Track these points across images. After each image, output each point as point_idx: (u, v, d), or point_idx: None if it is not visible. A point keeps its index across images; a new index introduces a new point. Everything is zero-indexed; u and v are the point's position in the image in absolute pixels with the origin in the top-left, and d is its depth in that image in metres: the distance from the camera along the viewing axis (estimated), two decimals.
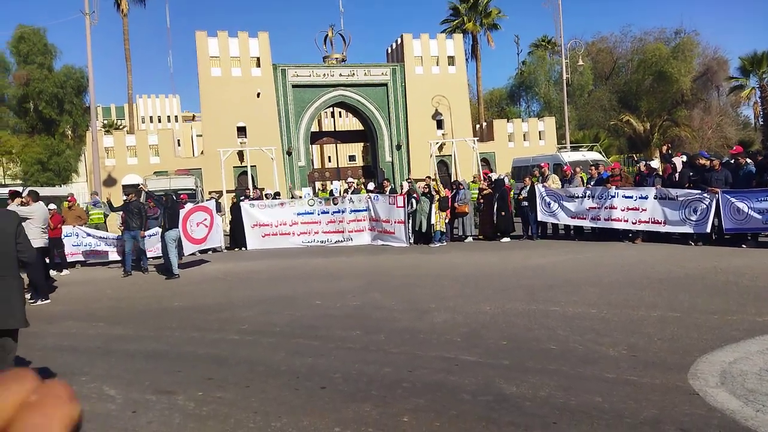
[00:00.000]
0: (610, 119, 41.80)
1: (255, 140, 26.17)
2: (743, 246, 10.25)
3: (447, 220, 14.11)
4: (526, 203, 13.63)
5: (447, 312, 6.72)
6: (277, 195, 17.70)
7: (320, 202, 15.60)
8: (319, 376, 4.65)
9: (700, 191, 10.88)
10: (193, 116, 64.89)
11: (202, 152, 28.39)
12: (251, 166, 25.51)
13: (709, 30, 70.77)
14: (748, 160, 10.81)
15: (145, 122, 63.09)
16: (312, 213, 15.44)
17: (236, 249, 15.46)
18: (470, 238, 14.32)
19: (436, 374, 4.54)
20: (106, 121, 50.52)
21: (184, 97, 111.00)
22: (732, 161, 11.18)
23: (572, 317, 6.12)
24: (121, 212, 12.80)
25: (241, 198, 16.34)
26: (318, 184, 32.80)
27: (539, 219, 13.51)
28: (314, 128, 31.21)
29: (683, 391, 3.84)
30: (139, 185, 14.85)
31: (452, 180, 16.43)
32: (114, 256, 13.75)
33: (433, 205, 13.73)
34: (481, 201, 14.46)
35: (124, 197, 13.00)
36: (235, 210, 15.75)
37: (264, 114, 26.94)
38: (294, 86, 27.81)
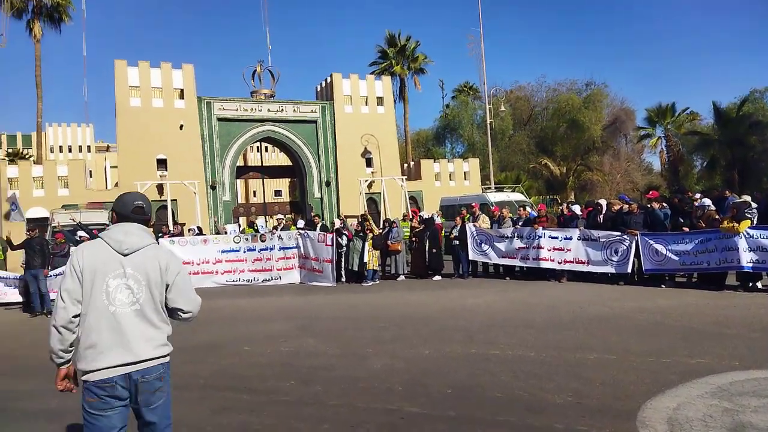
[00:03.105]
0: (529, 162, 43.92)
1: (176, 173, 25.06)
2: (662, 286, 10.75)
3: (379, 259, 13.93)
4: (457, 242, 13.73)
5: (386, 357, 6.42)
6: (199, 230, 16.85)
7: (246, 239, 14.95)
8: None
9: (620, 233, 11.37)
10: (108, 147, 61.68)
11: (116, 184, 26.77)
12: (172, 200, 24.33)
13: (616, 83, 76.86)
14: (664, 204, 11.48)
15: (55, 152, 59.28)
16: (238, 250, 14.75)
17: None
18: (402, 276, 14.19)
19: (381, 430, 4.22)
20: (10, 150, 46.88)
21: (98, 127, 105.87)
22: (648, 205, 11.82)
23: (513, 361, 6.01)
24: (21, 250, 11.62)
25: (160, 234, 15.36)
26: (243, 220, 31.87)
27: (471, 258, 13.62)
28: (240, 162, 30.45)
29: None
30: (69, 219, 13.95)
31: (383, 218, 16.35)
32: (13, 297, 12.41)
33: (366, 243, 13.52)
34: (413, 239, 14.43)
35: (28, 233, 11.81)
36: None
37: (187, 147, 25.95)
38: (220, 119, 27.10)
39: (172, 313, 2.79)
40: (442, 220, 16.29)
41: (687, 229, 10.70)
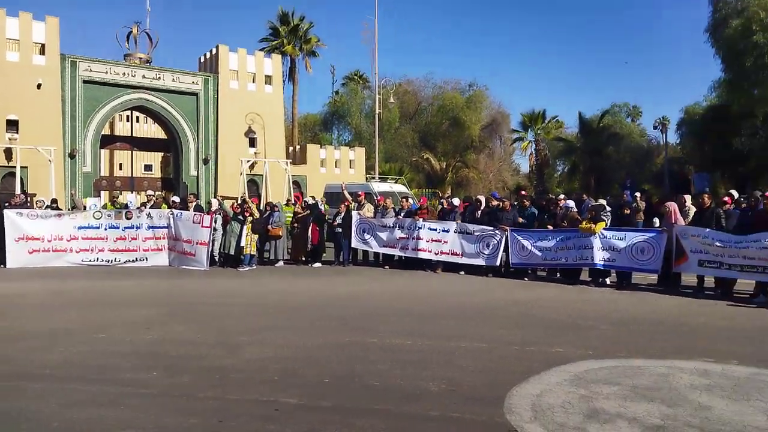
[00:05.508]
0: (413, 155, 45.14)
1: (29, 137, 22.26)
2: (525, 279, 11.56)
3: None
4: (339, 229, 13.66)
5: (261, 346, 6.16)
6: (54, 203, 15.11)
7: (109, 216, 13.66)
8: None
9: (492, 228, 12.03)
10: None
11: None
12: (22, 167, 21.63)
13: (497, 86, 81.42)
14: (528, 204, 12.35)
15: None
16: (98, 227, 13.42)
17: None
18: (281, 263, 13.84)
19: (253, 423, 4.00)
20: None
21: None
22: (516, 203, 12.66)
23: (390, 349, 6.05)
24: None
25: (6, 205, 13.54)
26: (105, 194, 29.23)
27: (353, 245, 13.64)
28: (106, 131, 27.82)
29: (504, 428, 3.91)
30: None
31: (266, 201, 15.81)
32: None
33: (245, 227, 12.97)
34: (296, 224, 14.12)
35: None
36: None
37: (44, 109, 23.12)
38: (86, 81, 24.47)
39: None
40: (325, 207, 16.11)
41: (551, 227, 11.58)
